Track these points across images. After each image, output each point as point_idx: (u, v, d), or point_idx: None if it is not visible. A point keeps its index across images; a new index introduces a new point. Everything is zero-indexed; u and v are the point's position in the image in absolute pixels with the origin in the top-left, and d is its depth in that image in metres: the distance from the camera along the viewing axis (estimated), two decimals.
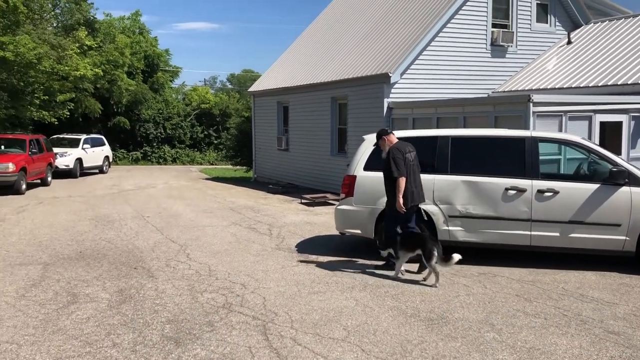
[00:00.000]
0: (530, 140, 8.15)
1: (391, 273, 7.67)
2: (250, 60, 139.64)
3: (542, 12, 16.94)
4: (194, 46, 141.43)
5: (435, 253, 7.06)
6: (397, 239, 7.48)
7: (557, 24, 17.17)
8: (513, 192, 7.97)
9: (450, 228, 8.21)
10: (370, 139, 8.86)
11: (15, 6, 17.39)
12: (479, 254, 8.64)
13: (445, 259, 7.10)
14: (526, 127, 11.30)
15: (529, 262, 8.26)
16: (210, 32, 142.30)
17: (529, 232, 7.97)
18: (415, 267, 7.81)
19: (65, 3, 25.67)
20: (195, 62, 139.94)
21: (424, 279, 7.38)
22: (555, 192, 7.86)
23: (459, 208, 8.14)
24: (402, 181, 7.46)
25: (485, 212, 8.07)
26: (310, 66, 19.84)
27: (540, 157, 8.18)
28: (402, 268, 7.58)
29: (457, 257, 7.04)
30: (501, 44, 16.11)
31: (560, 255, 8.36)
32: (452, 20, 15.52)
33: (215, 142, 37.17)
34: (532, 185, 7.93)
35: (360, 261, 8.46)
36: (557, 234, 7.88)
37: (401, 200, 7.45)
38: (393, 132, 8.14)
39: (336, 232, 9.63)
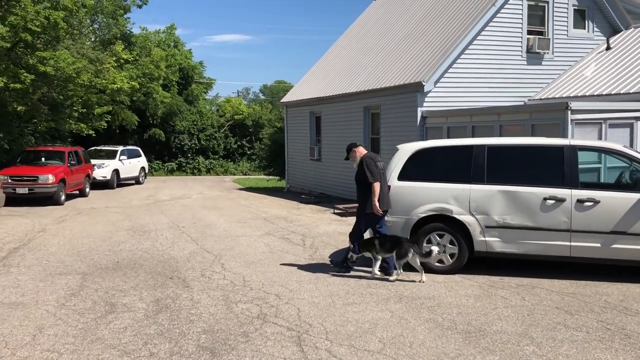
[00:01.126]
0: (569, 149, 7.96)
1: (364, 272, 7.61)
2: (283, 71, 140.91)
3: (580, 18, 16.60)
4: (227, 58, 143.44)
5: (410, 254, 7.75)
6: (375, 242, 8.06)
7: (596, 29, 16.80)
8: (552, 201, 7.79)
9: (487, 239, 8.06)
10: (405, 149, 8.80)
11: (56, 22, 17.88)
12: (516, 265, 8.47)
13: (426, 254, 7.87)
14: (564, 135, 11.07)
15: (568, 274, 8.05)
16: (243, 43, 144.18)
17: (568, 243, 7.76)
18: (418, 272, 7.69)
19: (103, 18, 26.31)
20: (229, 74, 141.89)
21: (390, 278, 7.91)
22: (596, 202, 7.64)
23: (495, 218, 7.99)
24: (377, 186, 8.01)
25: (523, 223, 7.90)
26: (342, 76, 19.87)
27: (580, 166, 7.98)
28: (377, 269, 8.08)
29: (435, 249, 7.90)
30: (537, 50, 15.84)
31: (601, 267, 8.13)
32: (487, 28, 15.34)
33: (248, 152, 37.50)
34: (571, 194, 7.74)
35: (396, 272, 8.35)
36: (598, 245, 7.65)
37: (377, 204, 7.97)
38: (359, 144, 8.80)
39: None
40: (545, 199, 7.81)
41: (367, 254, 8.16)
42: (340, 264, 8.60)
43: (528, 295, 7.10)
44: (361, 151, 8.48)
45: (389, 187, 8.57)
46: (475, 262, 8.45)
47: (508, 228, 7.97)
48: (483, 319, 6.22)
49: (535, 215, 7.85)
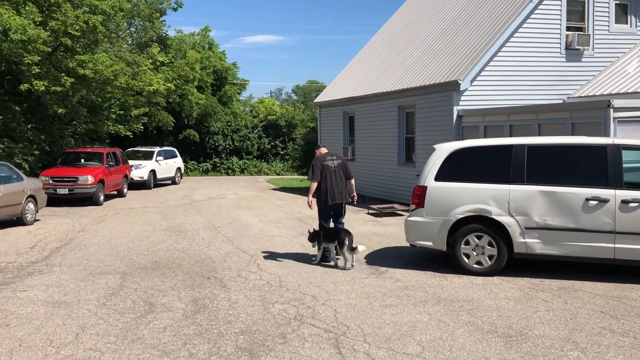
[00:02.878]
0: (612, 148, 7.74)
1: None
2: (315, 71, 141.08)
3: (622, 12, 16.11)
4: (260, 59, 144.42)
5: (346, 242, 8.52)
6: (320, 233, 9.00)
7: (639, 24, 16.29)
8: (594, 202, 7.58)
9: (527, 240, 7.89)
10: (442, 149, 8.68)
11: (95, 26, 18.26)
12: (558, 267, 8.27)
13: (353, 249, 8.56)
14: (606, 134, 10.77)
15: (613, 277, 7.81)
16: (276, 44, 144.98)
17: (612, 245, 7.54)
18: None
19: (140, 22, 26.79)
20: (262, 75, 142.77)
21: (336, 265, 8.79)
22: None
23: (536, 219, 7.82)
24: (312, 184, 9.11)
25: (564, 224, 7.71)
26: (376, 75, 19.76)
27: (624, 166, 7.74)
28: (340, 259, 8.83)
29: (361, 247, 8.83)
30: (576, 47, 15.44)
31: None
32: (524, 25, 15.04)
33: (282, 152, 37.66)
34: (615, 195, 7.51)
35: (432, 274, 8.26)
36: None
37: (309, 199, 9.20)
38: (322, 146, 9.68)
39: (405, 244, 9.48)
40: (587, 199, 7.60)
41: (313, 243, 9.17)
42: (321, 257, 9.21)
43: (570, 299, 6.92)
44: (320, 152, 9.41)
45: (425, 187, 8.48)
46: (515, 264, 8.28)
47: (549, 229, 7.79)
48: (524, 323, 6.08)
49: (577, 216, 7.65)
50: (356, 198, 9.64)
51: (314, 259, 9.23)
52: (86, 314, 6.55)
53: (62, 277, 8.34)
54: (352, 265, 8.69)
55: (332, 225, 9.29)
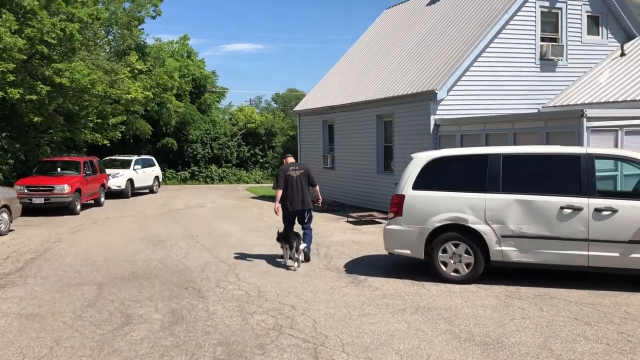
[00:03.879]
0: (585, 157, 7.89)
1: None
2: (295, 80, 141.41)
3: (594, 24, 16.49)
4: (240, 67, 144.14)
5: (294, 245, 9.30)
6: (281, 235, 9.75)
7: (610, 35, 16.67)
8: (569, 210, 7.71)
9: (504, 248, 7.99)
10: (419, 158, 8.77)
11: (72, 34, 18.07)
12: (533, 275, 8.39)
13: (296, 249, 9.31)
14: (580, 143, 10.97)
15: (587, 284, 7.94)
16: (255, 52, 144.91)
17: (586, 253, 7.67)
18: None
19: (118, 30, 26.58)
20: (241, 83, 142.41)
21: (291, 267, 9.41)
22: (614, 211, 7.55)
23: (512, 227, 7.93)
24: (277, 192, 9.80)
25: (539, 232, 7.83)
26: (355, 84, 19.88)
27: (597, 174, 7.90)
28: (290, 260, 9.50)
29: (303, 245, 9.46)
30: (550, 57, 15.75)
31: (620, 277, 8.01)
32: (500, 35, 15.29)
33: (261, 160, 37.59)
34: (588, 203, 7.66)
35: (411, 282, 8.32)
36: (617, 255, 7.55)
37: (275, 205, 9.85)
38: (289, 155, 10.46)
39: (384, 252, 9.53)
40: (562, 207, 7.74)
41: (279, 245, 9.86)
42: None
43: (546, 306, 7.02)
44: (287, 161, 10.16)
45: (403, 196, 8.56)
46: (492, 271, 8.38)
47: (524, 237, 7.90)
48: (501, 330, 6.15)
49: (552, 225, 7.77)
50: (321, 201, 10.76)
51: (281, 260, 9.87)
52: (61, 327, 6.46)
53: (37, 289, 8.22)
54: (299, 266, 9.42)
55: (300, 229, 9.99)
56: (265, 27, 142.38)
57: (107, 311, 7.05)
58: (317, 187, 10.28)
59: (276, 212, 9.91)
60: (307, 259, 9.82)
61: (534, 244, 7.87)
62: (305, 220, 9.99)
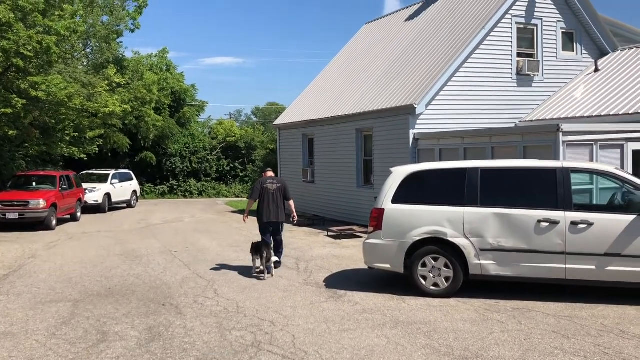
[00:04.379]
0: (561, 171, 8.00)
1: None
2: (275, 94, 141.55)
3: (568, 41, 16.83)
4: (220, 80, 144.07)
5: (264, 255, 9.64)
6: (253, 247, 10.01)
7: (584, 52, 17.03)
8: (546, 224, 7.79)
9: (482, 262, 8.03)
10: (398, 172, 8.80)
11: (49, 47, 17.86)
12: (512, 288, 8.44)
13: (268, 259, 9.67)
14: (556, 157, 11.13)
15: (564, 297, 8.02)
16: (235, 66, 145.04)
17: (563, 266, 7.75)
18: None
19: (96, 43, 26.35)
20: (221, 96, 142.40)
21: (262, 276, 9.74)
22: (590, 224, 7.65)
23: (490, 241, 7.98)
24: (249, 202, 10.65)
25: (517, 245, 7.89)
26: (334, 99, 19.97)
27: (573, 188, 8.00)
28: (267, 272, 9.78)
29: (274, 258, 9.98)
30: (527, 73, 16.02)
31: (597, 289, 8.10)
32: (477, 51, 15.52)
33: (241, 174, 37.42)
34: (565, 217, 7.75)
35: (390, 296, 8.31)
36: (593, 267, 7.65)
37: (245, 215, 10.66)
38: (269, 169, 10.96)
39: (364, 266, 9.52)
40: (539, 221, 7.82)
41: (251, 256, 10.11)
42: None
43: (524, 319, 7.05)
44: (266, 175, 10.70)
45: (383, 210, 8.57)
46: (471, 285, 8.41)
47: (503, 251, 7.96)
48: (480, 344, 6.16)
49: (530, 238, 7.84)
50: (296, 218, 11.16)
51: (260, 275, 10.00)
52: (34, 345, 6.31)
53: (9, 307, 8.03)
54: (272, 275, 9.79)
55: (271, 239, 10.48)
56: (245, 40, 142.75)
57: (82, 329, 6.91)
58: (292, 202, 10.73)
59: (244, 221, 10.74)
60: (276, 266, 10.36)
61: (512, 257, 7.93)
62: (280, 233, 10.54)
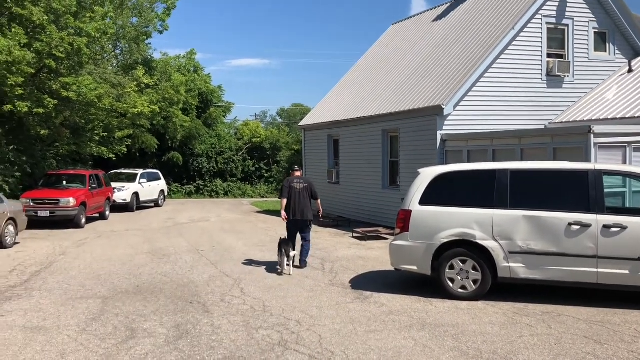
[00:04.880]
0: (593, 173, 7.85)
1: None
2: (300, 95, 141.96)
3: (600, 41, 16.51)
4: (245, 82, 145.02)
5: (284, 251, 10.07)
6: (279, 243, 10.43)
7: (617, 52, 16.68)
8: (577, 227, 7.65)
9: (511, 264, 7.92)
10: (426, 173, 8.74)
11: (80, 48, 18.21)
12: (541, 292, 8.30)
13: (288, 256, 10.05)
14: (587, 160, 10.93)
15: (596, 301, 7.85)
16: (261, 67, 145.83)
17: (595, 270, 7.60)
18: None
19: (125, 44, 26.77)
20: (247, 98, 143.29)
21: (278, 269, 10.25)
22: (623, 228, 7.49)
23: (519, 244, 7.86)
24: (281, 201, 10.72)
25: (547, 248, 7.76)
26: (360, 99, 19.93)
27: (606, 191, 7.84)
28: (286, 265, 10.14)
29: (293, 252, 10.17)
30: (557, 74, 15.76)
31: (630, 294, 7.92)
32: (506, 52, 15.32)
33: (266, 175, 37.60)
34: (597, 220, 7.59)
35: (417, 298, 8.24)
36: (627, 272, 7.48)
37: (282, 213, 10.67)
38: (297, 168, 11.26)
39: (390, 268, 9.47)
40: (570, 224, 7.68)
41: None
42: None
43: (554, 324, 6.93)
44: (294, 174, 10.99)
45: (410, 211, 8.52)
46: (499, 288, 8.30)
47: (532, 254, 7.83)
48: (509, 348, 6.07)
49: (560, 241, 7.71)
50: (322, 213, 11.73)
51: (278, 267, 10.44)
52: (66, 340, 6.42)
53: (42, 302, 8.18)
54: (289, 273, 10.04)
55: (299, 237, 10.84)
56: (271, 42, 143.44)
57: (111, 325, 7.01)
58: (319, 201, 11.16)
59: (284, 219, 10.73)
60: (302, 265, 10.67)
61: (542, 260, 7.80)
62: (306, 230, 10.78)
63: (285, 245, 10.24)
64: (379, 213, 17.31)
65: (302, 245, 10.79)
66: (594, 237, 7.57)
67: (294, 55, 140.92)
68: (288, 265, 10.16)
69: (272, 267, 10.74)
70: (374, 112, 17.75)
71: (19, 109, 17.26)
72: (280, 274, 10.06)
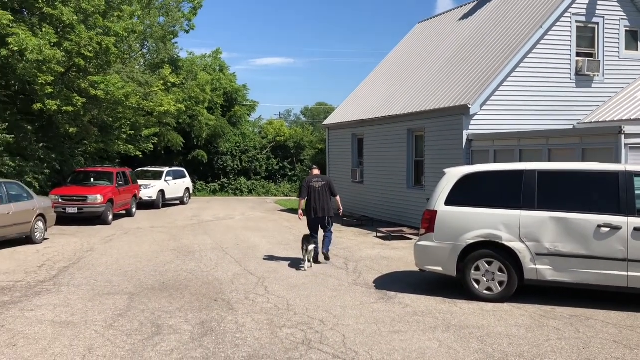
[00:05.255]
0: (624, 175, 7.68)
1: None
2: (324, 94, 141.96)
3: (632, 39, 16.15)
4: (270, 81, 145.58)
5: (304, 247, 10.62)
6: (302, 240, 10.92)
7: None
8: (606, 229, 7.50)
9: (538, 267, 7.80)
10: (452, 173, 8.66)
11: (108, 48, 18.48)
12: (569, 295, 8.17)
13: (307, 250, 10.54)
14: (618, 161, 10.71)
15: (626, 305, 7.70)
16: (285, 66, 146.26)
17: (625, 273, 7.44)
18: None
19: (152, 43, 27.10)
20: (271, 97, 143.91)
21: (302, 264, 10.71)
22: None
23: (547, 246, 7.74)
24: (300, 201, 11.33)
25: (575, 251, 7.63)
26: (385, 98, 19.84)
27: (637, 192, 7.66)
28: (308, 261, 10.65)
29: (312, 246, 10.60)
30: (587, 73, 15.46)
31: None
32: (534, 50, 15.10)
33: (290, 174, 37.70)
34: (627, 222, 7.44)
35: (442, 299, 8.18)
36: None
37: (299, 212, 11.30)
38: (315, 167, 11.75)
39: (414, 268, 9.41)
40: (599, 226, 7.53)
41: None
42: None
43: (582, 327, 6.81)
44: (312, 173, 11.39)
45: (435, 211, 8.45)
46: (525, 290, 8.19)
47: (560, 256, 7.71)
48: (535, 351, 5.99)
49: (589, 243, 7.57)
50: (341, 210, 11.87)
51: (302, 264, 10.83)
52: (93, 335, 6.52)
53: (70, 297, 8.33)
54: (310, 266, 10.58)
55: (321, 234, 11.23)
56: (296, 41, 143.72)
57: (137, 321, 7.10)
58: (338, 197, 11.48)
59: (300, 218, 11.30)
60: (326, 258, 11.16)
61: (570, 262, 7.67)
62: (327, 226, 11.11)
63: (306, 242, 10.72)
64: (403, 213, 17.21)
65: (324, 236, 11.16)
66: (625, 239, 7.41)
67: (318, 54, 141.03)
68: (309, 260, 10.62)
69: (295, 266, 10.77)
70: (399, 112, 17.66)
71: (48, 107, 17.59)
72: (303, 268, 10.45)
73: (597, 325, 6.91)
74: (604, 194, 7.78)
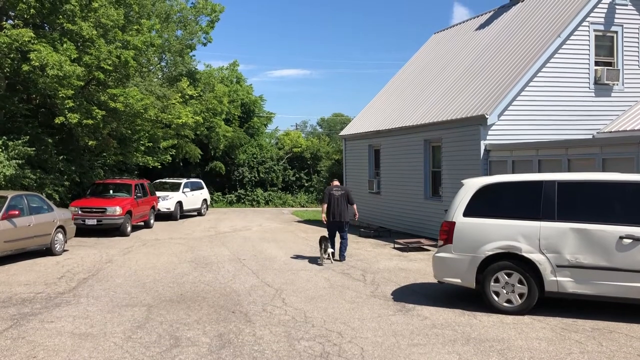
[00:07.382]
0: None
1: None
2: (340, 105, 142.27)
3: None
4: (286, 92, 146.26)
5: (322, 247, 12.33)
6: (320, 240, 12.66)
7: None
8: (629, 240, 7.38)
9: (559, 278, 7.69)
10: (470, 184, 8.60)
11: (127, 61, 18.72)
12: (591, 307, 8.03)
13: (325, 250, 12.30)
14: (639, 171, 10.54)
15: None
16: (301, 78, 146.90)
17: None
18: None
19: (170, 56, 27.42)
20: (287, 108, 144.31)
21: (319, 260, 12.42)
22: None
23: (567, 257, 7.63)
24: (322, 206, 12.95)
25: (597, 262, 7.51)
26: (402, 109, 19.81)
27: None
28: (327, 259, 12.48)
29: (330, 250, 12.35)
30: (606, 82, 15.30)
31: None
32: (552, 60, 14.98)
33: (306, 184, 37.75)
34: None
35: (461, 312, 8.09)
36: None
37: (323, 216, 12.86)
38: (336, 179, 13.83)
39: (433, 280, 9.33)
40: (621, 237, 7.41)
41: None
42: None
43: (605, 341, 6.68)
44: (332, 184, 13.24)
45: (454, 223, 8.39)
46: (546, 302, 8.07)
47: (581, 268, 7.59)
48: None
49: (611, 255, 7.45)
50: (357, 216, 13.59)
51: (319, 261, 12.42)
52: (112, 347, 6.54)
53: (89, 309, 8.38)
54: (331, 262, 12.42)
55: (337, 237, 12.97)
56: (312, 52, 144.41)
57: (156, 333, 7.11)
58: (355, 205, 13.13)
59: (324, 221, 12.87)
60: (342, 259, 12.81)
61: (592, 274, 7.55)
62: (344, 229, 12.81)
63: (325, 242, 12.39)
64: (420, 224, 17.11)
65: (340, 242, 12.90)
66: None
67: (334, 65, 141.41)
68: (328, 259, 12.42)
69: (312, 278, 10.74)
70: (416, 122, 17.61)
71: (70, 120, 17.83)
72: (320, 264, 12.19)
73: (621, 338, 6.78)
74: (625, 204, 7.67)
